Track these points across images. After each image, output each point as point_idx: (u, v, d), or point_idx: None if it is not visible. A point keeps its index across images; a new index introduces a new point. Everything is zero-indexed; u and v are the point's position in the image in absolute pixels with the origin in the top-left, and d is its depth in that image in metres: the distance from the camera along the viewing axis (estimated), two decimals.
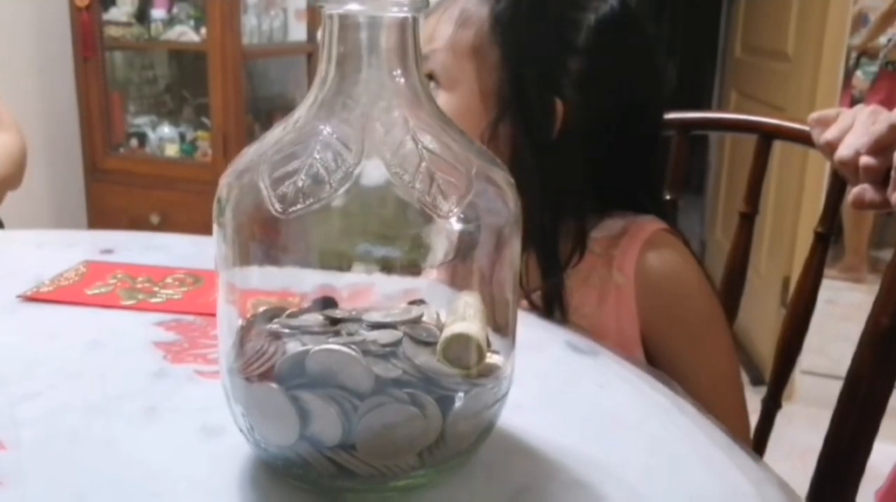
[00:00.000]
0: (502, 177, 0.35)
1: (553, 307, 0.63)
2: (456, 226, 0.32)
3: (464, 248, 0.34)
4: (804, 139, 0.76)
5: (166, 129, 2.25)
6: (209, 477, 0.37)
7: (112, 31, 2.14)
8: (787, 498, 0.37)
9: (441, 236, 0.32)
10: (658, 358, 0.63)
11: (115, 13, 2.13)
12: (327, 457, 0.33)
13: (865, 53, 3.15)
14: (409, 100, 0.34)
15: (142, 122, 2.29)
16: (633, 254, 0.62)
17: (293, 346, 0.34)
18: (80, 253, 0.68)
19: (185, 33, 2.07)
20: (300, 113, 0.34)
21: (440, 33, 0.64)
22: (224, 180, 0.35)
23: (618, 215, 0.65)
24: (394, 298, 0.37)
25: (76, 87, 2.17)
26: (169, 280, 0.62)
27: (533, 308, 0.64)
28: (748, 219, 0.76)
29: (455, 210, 0.32)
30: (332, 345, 0.33)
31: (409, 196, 0.32)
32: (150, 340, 0.51)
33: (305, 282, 0.36)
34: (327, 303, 0.38)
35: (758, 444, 0.74)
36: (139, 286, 0.61)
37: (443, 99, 0.63)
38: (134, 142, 2.27)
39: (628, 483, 0.37)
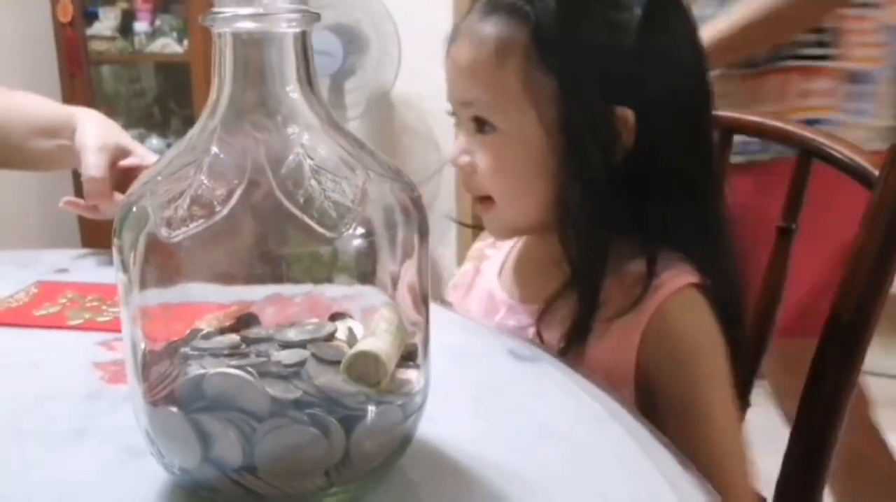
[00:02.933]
0: (402, 191, 0.34)
1: (571, 347, 0.56)
2: (347, 241, 0.32)
3: (360, 263, 0.33)
4: (763, 133, 0.75)
5: (155, 141, 2.25)
6: (129, 499, 0.36)
7: (97, 46, 2.14)
8: None
9: (334, 252, 0.32)
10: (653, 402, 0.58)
11: (98, 27, 2.14)
12: (232, 480, 0.33)
13: None
14: (304, 115, 0.34)
15: (130, 134, 2.29)
16: (652, 305, 0.55)
17: (194, 370, 0.34)
18: (35, 273, 0.68)
19: (169, 45, 2.07)
20: (193, 132, 0.34)
21: (479, 76, 0.56)
22: (121, 203, 0.34)
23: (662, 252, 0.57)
24: (326, 307, 0.37)
25: (63, 102, 2.17)
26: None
27: (540, 340, 0.58)
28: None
29: (346, 225, 0.32)
30: (227, 368, 0.32)
31: (298, 213, 0.31)
32: (91, 360, 0.51)
33: (213, 300, 0.36)
34: (248, 320, 0.38)
35: None
36: (88, 305, 0.61)
37: (501, 142, 0.56)
38: None
39: (550, 495, 0.37)
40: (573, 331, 0.56)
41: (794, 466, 0.66)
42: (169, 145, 2.28)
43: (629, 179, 0.56)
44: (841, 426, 0.64)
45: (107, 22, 2.15)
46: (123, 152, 0.72)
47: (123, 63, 2.27)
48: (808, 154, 0.68)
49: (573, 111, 0.54)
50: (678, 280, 0.56)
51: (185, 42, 2.06)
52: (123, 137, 0.74)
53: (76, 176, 0.82)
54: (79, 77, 2.16)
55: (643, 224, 0.56)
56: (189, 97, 2.09)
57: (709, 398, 0.55)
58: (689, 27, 0.59)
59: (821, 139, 0.68)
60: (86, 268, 0.70)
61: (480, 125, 0.57)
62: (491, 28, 0.56)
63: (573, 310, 0.56)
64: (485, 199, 0.60)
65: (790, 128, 0.71)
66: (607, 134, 0.55)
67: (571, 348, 0.56)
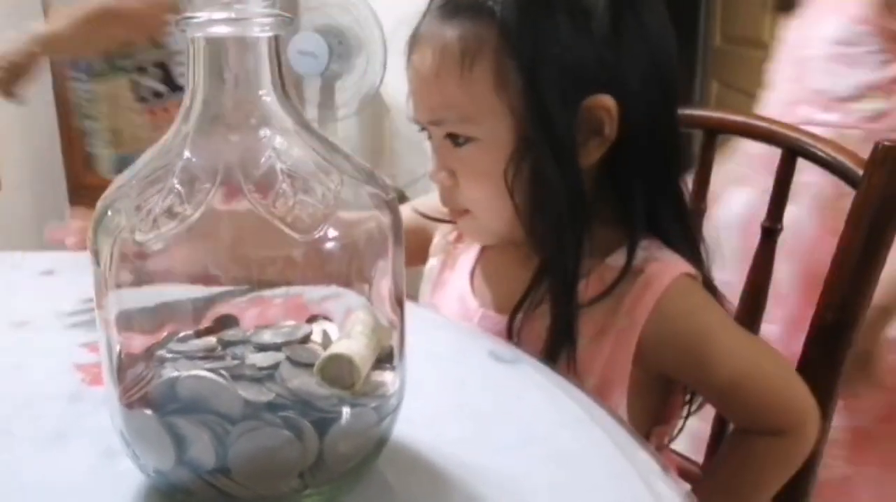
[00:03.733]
0: (375, 193, 0.35)
1: (559, 353, 0.54)
2: (320, 244, 0.32)
3: (334, 266, 0.33)
4: (748, 132, 0.75)
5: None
6: (108, 501, 0.36)
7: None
8: None
9: (306, 255, 0.32)
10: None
11: None
12: (206, 482, 0.33)
13: None
14: (277, 118, 0.34)
15: None
16: (648, 303, 0.54)
17: (168, 372, 0.34)
18: (21, 275, 0.68)
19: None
20: (167, 136, 0.34)
21: (448, 84, 0.53)
22: (97, 206, 0.34)
23: (644, 241, 0.56)
24: (301, 310, 0.37)
25: (56, 103, 2.17)
26: None
27: (514, 341, 0.56)
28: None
29: (318, 228, 0.32)
30: (200, 371, 0.32)
31: (270, 216, 0.31)
32: (72, 362, 0.51)
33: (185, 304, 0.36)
34: (226, 321, 0.38)
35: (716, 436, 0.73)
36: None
37: (478, 151, 0.54)
38: None
39: (526, 497, 0.37)
40: (554, 337, 0.55)
41: None
42: None
43: (613, 170, 0.56)
44: (828, 425, 0.64)
45: None
46: None
47: None
48: (793, 153, 0.69)
49: (547, 105, 0.52)
50: (666, 274, 0.54)
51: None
52: None
53: (70, 178, 0.81)
54: (71, 77, 2.16)
55: (625, 215, 0.56)
56: None
57: (730, 369, 0.56)
58: (658, 13, 0.57)
59: (805, 139, 0.68)
60: (72, 271, 0.70)
61: (455, 139, 0.55)
62: (454, 31, 0.53)
63: (551, 315, 0.55)
64: (462, 213, 0.59)
65: (775, 128, 0.71)
66: (587, 125, 0.54)
67: (557, 354, 0.55)
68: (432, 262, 0.70)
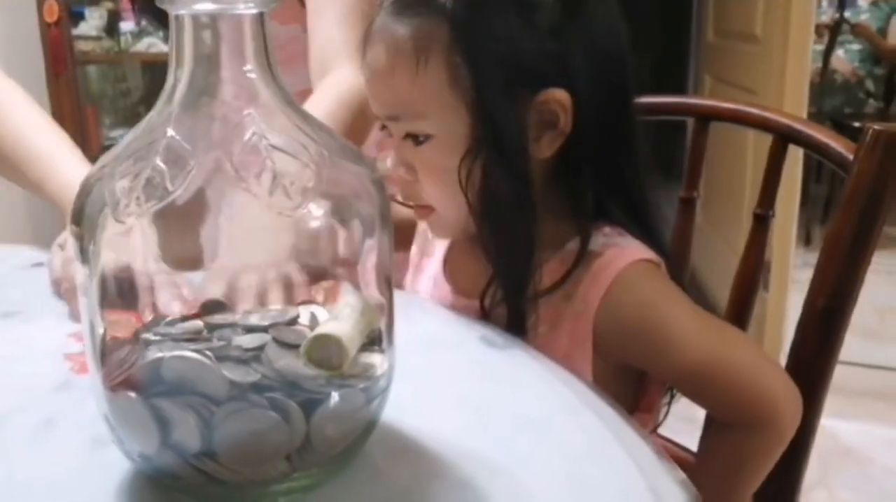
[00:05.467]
0: (361, 172, 0.34)
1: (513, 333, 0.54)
2: (305, 222, 0.32)
3: (320, 245, 0.33)
4: (741, 119, 0.75)
5: None
6: (95, 488, 0.36)
7: (82, 46, 2.13)
8: (687, 496, 0.37)
9: (289, 234, 0.32)
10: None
11: (84, 27, 2.13)
12: (192, 466, 0.33)
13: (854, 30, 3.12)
14: (262, 96, 0.34)
15: (117, 134, 2.28)
16: (601, 287, 0.54)
17: (152, 354, 0.33)
18: (9, 267, 0.67)
19: (155, 45, 2.06)
20: (151, 115, 0.34)
21: (401, 81, 0.53)
22: (80, 186, 0.34)
23: (599, 229, 0.56)
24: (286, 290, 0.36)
25: (49, 102, 2.16)
26: None
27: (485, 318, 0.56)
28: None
29: (303, 207, 0.31)
30: (185, 352, 0.32)
31: (254, 195, 0.31)
32: (61, 351, 0.51)
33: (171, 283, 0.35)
34: (215, 306, 0.38)
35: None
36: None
37: (436, 146, 0.54)
38: None
39: (519, 481, 0.37)
40: (508, 330, 0.54)
41: None
42: None
43: (567, 162, 0.56)
44: (819, 414, 0.64)
45: (92, 22, 2.14)
46: None
47: (109, 63, 2.26)
48: (785, 139, 0.69)
49: (494, 101, 0.52)
50: (622, 258, 0.54)
51: None
52: None
53: None
54: (64, 76, 2.15)
55: (579, 206, 0.56)
56: None
57: (690, 358, 0.53)
58: (607, 7, 0.56)
59: (797, 125, 0.68)
60: None
61: (415, 138, 0.55)
62: (406, 28, 0.53)
63: (506, 308, 0.54)
64: (424, 208, 0.58)
65: (768, 114, 0.71)
66: (541, 119, 0.53)
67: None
68: (413, 249, 0.70)
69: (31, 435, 0.41)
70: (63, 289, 0.59)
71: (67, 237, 0.62)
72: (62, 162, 0.70)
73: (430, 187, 0.57)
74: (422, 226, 0.70)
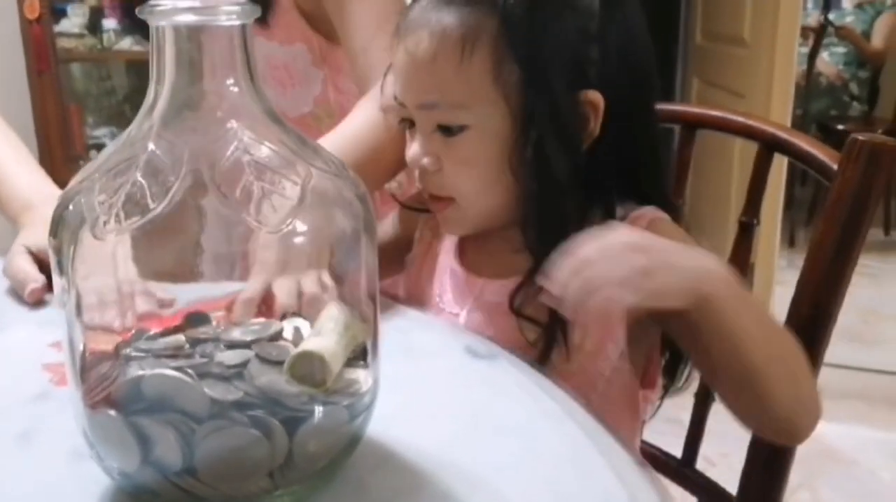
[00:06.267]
0: (346, 186, 0.34)
1: (551, 349, 0.54)
2: (286, 239, 0.31)
3: (302, 261, 0.32)
4: (726, 127, 0.75)
5: None
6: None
7: (65, 43, 2.10)
8: None
9: (274, 250, 0.31)
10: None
11: (66, 25, 2.10)
12: (172, 483, 0.32)
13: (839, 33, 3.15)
14: (245, 109, 0.33)
15: (101, 133, 2.26)
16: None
17: (133, 371, 0.33)
18: None
19: (140, 42, 2.04)
20: (132, 128, 0.33)
21: (444, 70, 0.53)
22: (58, 200, 0.33)
23: (620, 205, 0.58)
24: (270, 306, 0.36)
25: (31, 100, 2.13)
26: None
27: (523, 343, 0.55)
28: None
29: (286, 223, 0.31)
30: (165, 369, 0.32)
31: (236, 211, 0.31)
32: (41, 362, 0.50)
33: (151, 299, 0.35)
34: (198, 319, 0.37)
35: (693, 438, 0.73)
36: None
37: (469, 140, 0.54)
38: (94, 153, 2.24)
39: (499, 492, 0.37)
40: (549, 327, 0.54)
41: (756, 458, 0.66)
42: None
43: (595, 165, 0.56)
44: None
45: (75, 19, 2.11)
46: None
47: (93, 61, 2.24)
48: (770, 148, 0.69)
49: (543, 99, 0.53)
50: (647, 215, 0.57)
51: None
52: None
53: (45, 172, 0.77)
54: (47, 75, 2.12)
55: (607, 209, 0.57)
56: None
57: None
58: (638, 13, 0.58)
59: (782, 134, 0.69)
60: None
61: (447, 130, 0.55)
62: (453, 18, 0.53)
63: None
64: (442, 199, 0.58)
65: (752, 122, 0.72)
66: (576, 120, 0.55)
67: (550, 349, 0.54)
68: (413, 253, 0.69)
69: (8, 449, 0.40)
70: (29, 291, 0.58)
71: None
72: (13, 173, 0.69)
73: (457, 177, 0.56)
74: (420, 232, 0.69)
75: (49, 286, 0.59)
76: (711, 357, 0.49)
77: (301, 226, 0.31)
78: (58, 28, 2.11)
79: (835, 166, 0.62)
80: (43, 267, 0.61)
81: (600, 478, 0.38)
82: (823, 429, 0.67)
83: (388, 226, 0.72)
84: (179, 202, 0.30)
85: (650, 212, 0.58)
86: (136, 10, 0.33)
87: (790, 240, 2.68)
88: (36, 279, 0.59)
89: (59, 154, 2.19)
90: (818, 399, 0.51)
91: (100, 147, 2.26)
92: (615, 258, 0.45)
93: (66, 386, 0.47)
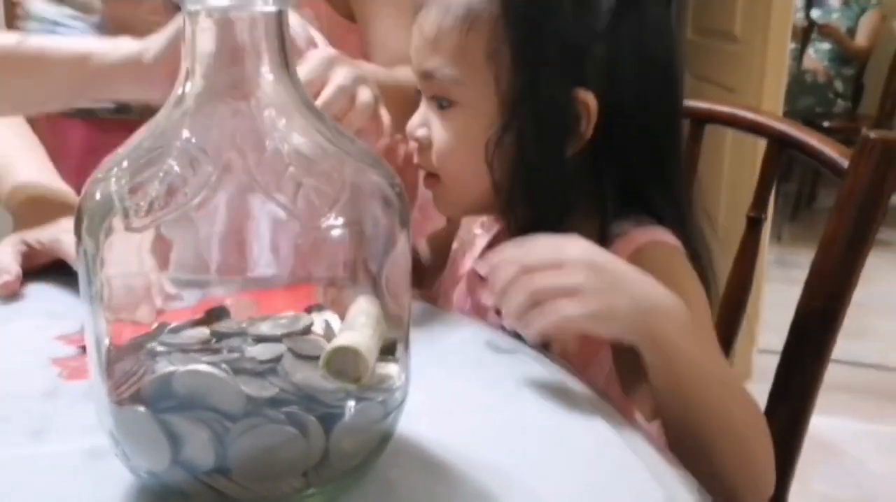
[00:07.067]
0: (382, 179, 0.33)
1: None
2: (328, 230, 0.30)
3: (340, 253, 0.32)
4: (735, 123, 0.75)
5: None
6: None
7: None
8: None
9: (314, 243, 0.30)
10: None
11: None
12: (203, 483, 0.32)
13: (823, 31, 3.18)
14: (280, 99, 0.32)
15: None
16: (625, 252, 0.53)
17: (162, 367, 0.32)
18: None
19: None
20: (162, 116, 0.32)
21: (444, 45, 0.54)
22: (83, 191, 0.32)
23: (625, 219, 0.56)
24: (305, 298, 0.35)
25: None
26: None
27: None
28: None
29: (326, 216, 0.30)
30: (199, 365, 0.31)
31: (275, 203, 0.30)
32: (49, 356, 0.49)
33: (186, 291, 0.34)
34: (219, 313, 0.36)
35: None
36: None
37: (460, 116, 0.55)
38: None
39: (535, 491, 0.36)
40: None
41: None
42: None
43: (588, 163, 0.55)
44: (811, 413, 0.65)
45: None
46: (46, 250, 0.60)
47: None
48: (780, 145, 0.69)
49: (532, 88, 0.53)
50: (647, 236, 0.54)
51: None
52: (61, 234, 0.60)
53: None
54: None
55: (601, 205, 0.56)
56: None
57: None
58: (663, 19, 0.57)
59: (792, 131, 0.69)
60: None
61: (439, 101, 0.56)
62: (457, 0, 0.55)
63: None
64: (432, 177, 0.59)
65: (761, 119, 0.72)
66: (565, 116, 0.53)
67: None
68: (454, 246, 0.69)
69: (22, 447, 0.39)
70: (1, 283, 0.57)
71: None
72: (17, 164, 0.67)
73: (441, 156, 0.57)
74: (466, 224, 0.68)
75: (24, 278, 0.58)
76: (659, 406, 0.46)
77: (341, 219, 0.30)
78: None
79: (845, 163, 0.62)
80: (37, 259, 0.60)
81: (634, 476, 0.37)
82: (812, 421, 0.68)
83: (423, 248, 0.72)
84: (217, 193, 0.29)
85: (652, 234, 0.55)
86: None
87: (777, 236, 2.71)
88: (9, 271, 0.57)
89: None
90: (771, 477, 0.47)
91: None
92: (562, 272, 0.43)
93: (77, 380, 0.46)
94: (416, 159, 0.60)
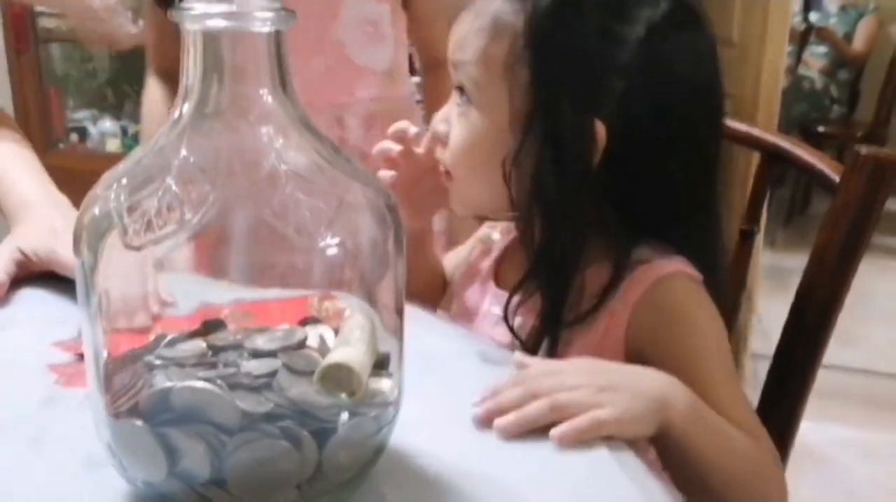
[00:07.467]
0: (378, 197, 0.34)
1: (543, 338, 0.55)
2: (323, 249, 0.31)
3: (335, 271, 0.32)
4: (728, 136, 0.76)
5: (108, 124, 2.18)
6: None
7: (45, 23, 2.05)
8: None
9: (309, 261, 0.31)
10: None
11: None
12: (199, 494, 0.32)
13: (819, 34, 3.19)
14: (278, 117, 0.33)
15: (82, 116, 2.22)
16: (642, 287, 0.54)
17: (160, 381, 0.32)
18: None
19: (123, 25, 2.00)
20: (159, 134, 0.32)
21: (471, 43, 0.56)
22: (82, 206, 0.33)
23: (647, 245, 0.56)
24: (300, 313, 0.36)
25: (10, 81, 2.08)
26: None
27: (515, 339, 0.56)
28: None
29: (322, 234, 0.31)
30: (196, 382, 0.31)
31: (272, 221, 0.30)
32: (45, 362, 0.49)
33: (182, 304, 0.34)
34: (215, 324, 0.37)
35: None
36: None
37: (473, 117, 0.56)
38: (74, 137, 2.20)
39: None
40: (541, 332, 0.55)
41: None
42: (123, 128, 2.21)
43: (603, 187, 0.55)
44: (800, 419, 0.66)
45: None
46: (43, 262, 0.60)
47: (74, 42, 2.19)
48: (772, 158, 0.70)
49: (542, 110, 0.53)
50: (669, 266, 0.55)
51: (141, 22, 1.98)
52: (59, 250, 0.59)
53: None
54: (26, 54, 2.07)
55: (618, 227, 0.56)
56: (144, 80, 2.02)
57: (709, 372, 0.52)
58: (703, 47, 0.56)
59: (784, 144, 0.69)
60: None
61: (461, 92, 0.57)
62: (493, 4, 0.56)
63: (541, 299, 0.55)
64: (447, 173, 0.59)
65: (755, 132, 0.72)
66: (575, 142, 0.53)
67: (542, 339, 0.55)
68: (467, 249, 0.70)
69: (20, 456, 0.39)
70: None
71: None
72: (16, 175, 0.67)
73: (452, 153, 0.58)
74: (485, 229, 0.69)
75: (20, 284, 0.58)
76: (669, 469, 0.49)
77: (336, 237, 0.31)
78: (39, 7, 2.06)
79: (836, 178, 0.63)
80: (31, 268, 0.60)
81: (621, 488, 0.38)
82: (800, 427, 0.69)
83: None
84: (215, 210, 0.30)
85: (676, 265, 0.55)
86: (168, 13, 0.32)
87: (771, 242, 2.72)
88: None
89: (38, 136, 2.14)
90: None
91: (80, 130, 2.21)
92: (574, 374, 0.45)
93: (74, 387, 0.46)
94: (436, 153, 0.60)
